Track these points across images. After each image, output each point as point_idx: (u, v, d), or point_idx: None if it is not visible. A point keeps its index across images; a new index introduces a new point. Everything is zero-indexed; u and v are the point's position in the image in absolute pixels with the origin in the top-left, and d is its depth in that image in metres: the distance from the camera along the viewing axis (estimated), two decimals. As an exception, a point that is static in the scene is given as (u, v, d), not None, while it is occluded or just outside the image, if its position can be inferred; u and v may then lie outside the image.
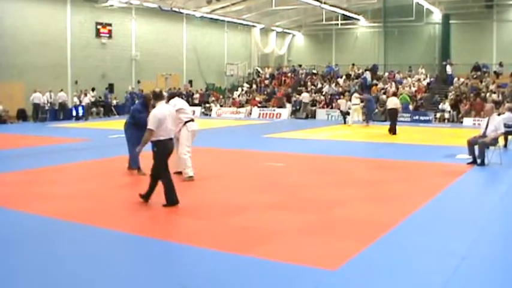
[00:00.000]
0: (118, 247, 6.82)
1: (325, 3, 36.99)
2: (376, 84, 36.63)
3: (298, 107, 35.89)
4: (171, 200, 8.69)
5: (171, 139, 8.91)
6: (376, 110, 31.07)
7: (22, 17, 30.02)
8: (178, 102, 11.19)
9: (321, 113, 34.60)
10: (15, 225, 7.79)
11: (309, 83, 40.03)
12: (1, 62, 28.92)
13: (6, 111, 28.84)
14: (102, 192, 10.15)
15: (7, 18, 29.25)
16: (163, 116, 8.66)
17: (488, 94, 31.83)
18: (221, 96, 40.42)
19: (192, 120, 11.34)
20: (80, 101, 31.75)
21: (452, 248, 6.62)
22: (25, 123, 29.02)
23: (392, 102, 23.81)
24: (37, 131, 24.38)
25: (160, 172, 8.69)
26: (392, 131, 22.87)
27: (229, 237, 7.14)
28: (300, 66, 44.37)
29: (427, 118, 31.35)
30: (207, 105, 38.46)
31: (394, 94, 27.78)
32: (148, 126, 8.57)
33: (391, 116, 23.58)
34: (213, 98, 39.39)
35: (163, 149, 8.71)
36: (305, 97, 35.73)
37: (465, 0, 39.15)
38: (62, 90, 31.21)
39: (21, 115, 30.05)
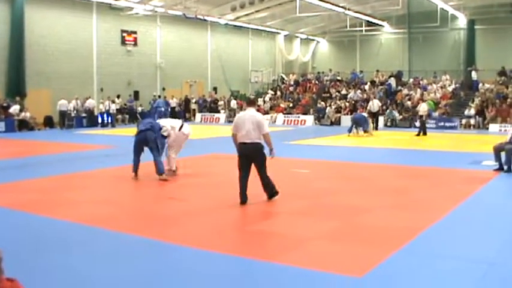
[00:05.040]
0: (140, 253, 6.83)
1: (349, 9, 36.97)
2: (401, 91, 36.42)
3: (321, 114, 35.84)
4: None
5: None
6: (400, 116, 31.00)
7: (49, 25, 30.53)
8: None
9: (346, 120, 34.45)
10: (41, 231, 7.88)
11: (333, 90, 39.91)
12: (29, 69, 29.40)
13: (34, 118, 29.24)
14: (126, 199, 10.23)
15: (35, 27, 29.74)
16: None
17: (514, 100, 31.47)
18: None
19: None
20: (107, 109, 32.06)
21: (479, 255, 6.57)
22: (52, 130, 29.40)
23: (424, 109, 26.33)
24: (64, 138, 24.68)
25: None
26: (421, 133, 25.49)
27: (255, 243, 7.16)
28: (330, 70, 43.84)
29: (453, 124, 31.09)
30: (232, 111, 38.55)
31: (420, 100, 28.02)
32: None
33: (422, 121, 26.08)
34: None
35: None
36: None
37: (490, 5, 38.81)
38: (89, 97, 31.62)
39: (48, 122, 30.45)
